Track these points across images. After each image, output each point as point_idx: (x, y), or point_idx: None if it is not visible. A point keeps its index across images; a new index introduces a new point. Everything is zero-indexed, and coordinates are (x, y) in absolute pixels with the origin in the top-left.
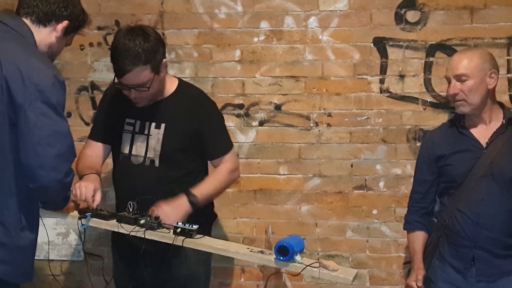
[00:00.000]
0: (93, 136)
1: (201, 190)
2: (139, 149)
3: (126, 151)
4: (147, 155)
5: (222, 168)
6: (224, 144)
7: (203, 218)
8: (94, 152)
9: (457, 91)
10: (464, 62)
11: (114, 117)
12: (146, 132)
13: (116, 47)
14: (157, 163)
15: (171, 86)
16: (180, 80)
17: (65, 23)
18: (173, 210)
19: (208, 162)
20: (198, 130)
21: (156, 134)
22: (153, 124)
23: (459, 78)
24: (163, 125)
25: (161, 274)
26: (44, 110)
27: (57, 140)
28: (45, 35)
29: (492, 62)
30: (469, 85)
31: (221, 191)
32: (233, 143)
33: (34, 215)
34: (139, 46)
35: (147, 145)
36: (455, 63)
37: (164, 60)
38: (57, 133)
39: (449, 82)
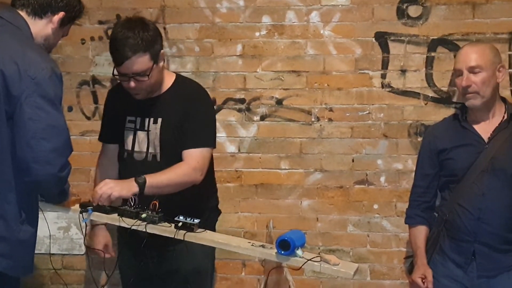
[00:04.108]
0: (104, 138)
1: (154, 176)
2: (141, 145)
3: (129, 148)
4: (149, 151)
5: (183, 163)
6: (199, 138)
7: (207, 214)
8: (111, 160)
9: (470, 83)
10: (478, 54)
11: (117, 116)
12: (146, 128)
13: (115, 37)
14: (158, 158)
15: (168, 81)
16: (177, 75)
17: (61, 14)
18: (118, 184)
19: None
20: (182, 120)
21: (154, 129)
22: (152, 120)
23: (473, 70)
24: (159, 120)
25: (167, 266)
26: (40, 104)
27: (52, 134)
28: (41, 27)
29: (500, 57)
30: (482, 77)
31: (175, 185)
32: (216, 144)
33: (33, 208)
34: (138, 35)
35: (148, 141)
36: (468, 55)
37: (162, 51)
38: (52, 127)
39: (459, 75)
